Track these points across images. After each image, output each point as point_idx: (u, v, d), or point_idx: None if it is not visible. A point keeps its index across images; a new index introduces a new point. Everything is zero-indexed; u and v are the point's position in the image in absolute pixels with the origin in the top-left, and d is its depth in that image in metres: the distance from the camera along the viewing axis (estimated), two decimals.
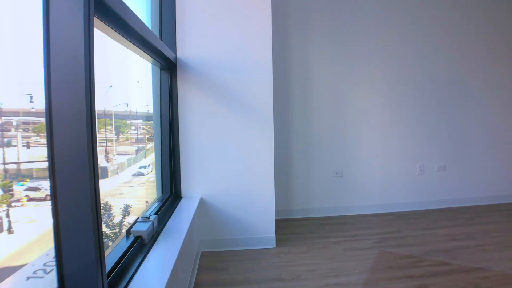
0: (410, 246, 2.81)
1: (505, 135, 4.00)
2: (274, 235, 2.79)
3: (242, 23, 2.63)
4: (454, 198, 3.91)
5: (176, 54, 2.57)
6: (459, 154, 3.87)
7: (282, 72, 3.37)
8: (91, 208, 0.95)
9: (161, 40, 2.44)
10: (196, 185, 2.66)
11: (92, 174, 0.96)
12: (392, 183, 3.72)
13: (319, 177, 3.54)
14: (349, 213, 3.63)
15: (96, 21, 1.17)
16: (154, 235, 1.80)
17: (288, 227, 3.25)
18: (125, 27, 1.40)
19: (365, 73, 3.56)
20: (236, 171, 2.70)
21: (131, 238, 1.62)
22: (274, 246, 2.79)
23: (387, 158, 3.68)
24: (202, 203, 2.67)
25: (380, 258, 2.58)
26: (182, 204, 2.47)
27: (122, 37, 1.48)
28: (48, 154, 0.94)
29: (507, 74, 3.94)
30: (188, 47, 2.59)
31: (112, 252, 1.44)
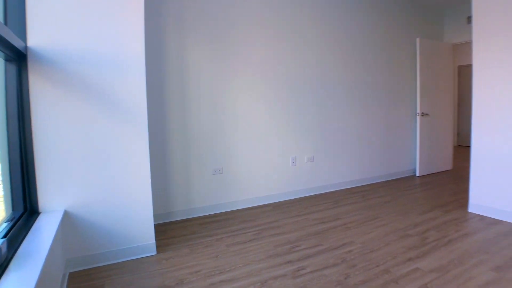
0: (287, 233, 3.00)
1: (360, 130, 4.66)
2: (154, 241, 2.62)
3: (111, 12, 2.36)
4: (321, 185, 4.37)
5: (26, 43, 2.16)
6: (324, 146, 4.34)
7: (157, 68, 3.20)
8: None
9: (6, 25, 2.02)
10: (57, 197, 2.28)
11: None
12: (268, 176, 3.93)
13: (199, 176, 3.49)
14: (230, 209, 3.69)
15: None
16: (3, 264, 1.47)
17: (169, 231, 3.11)
18: None
19: (242, 71, 3.65)
20: (106, 177, 2.42)
21: None
22: (155, 253, 2.62)
23: (263, 152, 3.87)
24: (67, 216, 2.32)
25: (261, 249, 2.69)
26: (41, 221, 2.10)
27: None
28: None
29: (367, 76, 4.58)
30: (44, 35, 2.19)
31: None
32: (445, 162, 5.68)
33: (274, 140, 3.94)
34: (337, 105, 4.42)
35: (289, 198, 4.10)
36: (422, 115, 5.22)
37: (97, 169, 2.38)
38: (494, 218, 3.32)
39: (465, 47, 8.46)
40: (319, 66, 4.22)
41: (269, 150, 3.91)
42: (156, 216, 3.28)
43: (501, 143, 3.27)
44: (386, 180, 5.06)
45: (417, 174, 5.32)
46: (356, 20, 4.53)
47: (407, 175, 5.35)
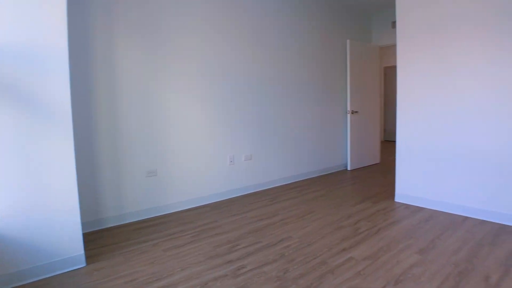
0: (226, 233, 2.96)
1: (296, 127, 4.78)
2: (83, 252, 2.41)
3: (29, 3, 2.11)
4: (259, 182, 4.40)
5: None
6: (262, 144, 4.38)
7: (83, 64, 2.95)
8: None
9: None
10: None
11: None
12: (206, 175, 3.86)
13: (131, 179, 3.31)
14: (166, 212, 3.55)
15: None
16: None
17: (100, 239, 2.90)
18: None
19: (177, 67, 3.52)
20: (24, 185, 2.16)
21: None
22: (85, 264, 2.41)
23: (200, 152, 3.78)
24: None
25: (200, 251, 2.62)
26: None
27: None
28: None
29: (302, 75, 4.70)
30: None
31: None
32: (373, 157, 6.07)
33: (211, 139, 3.87)
34: (274, 103, 4.49)
35: (227, 198, 4.06)
36: (352, 113, 5.52)
37: (14, 176, 2.12)
38: (417, 206, 3.61)
39: (390, 49, 9.17)
40: (257, 64, 4.25)
41: (205, 149, 3.83)
42: (85, 224, 3.04)
43: (422, 137, 3.56)
44: (321, 174, 5.27)
45: (349, 168, 5.61)
46: (292, 21, 4.63)
47: (339, 169, 5.62)
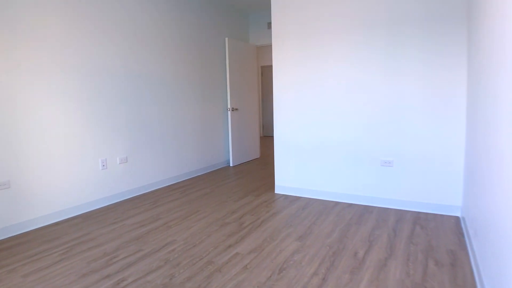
0: (102, 245, 2.66)
1: (176, 126, 4.60)
2: None
3: None
4: (138, 186, 4.10)
5: None
6: (139, 145, 4.08)
7: None
8: None
9: None
10: None
11: None
12: (74, 183, 3.39)
13: None
14: (26, 230, 2.99)
15: None
16: None
17: None
18: None
19: (32, 61, 2.97)
20: None
21: None
22: None
23: (66, 157, 3.30)
24: None
25: (71, 269, 2.28)
26: None
27: None
28: None
29: (180, 72, 4.51)
30: None
31: None
32: (254, 152, 6.32)
33: (78, 142, 3.42)
34: (151, 101, 4.23)
35: (102, 206, 3.66)
36: (232, 110, 5.62)
37: None
38: (295, 196, 3.87)
39: (267, 49, 9.70)
40: (132, 59, 3.91)
41: (72, 154, 3.37)
42: None
43: (296, 132, 3.83)
44: (204, 173, 5.22)
45: (231, 165, 5.71)
46: (170, 16, 4.42)
47: (222, 166, 5.67)
